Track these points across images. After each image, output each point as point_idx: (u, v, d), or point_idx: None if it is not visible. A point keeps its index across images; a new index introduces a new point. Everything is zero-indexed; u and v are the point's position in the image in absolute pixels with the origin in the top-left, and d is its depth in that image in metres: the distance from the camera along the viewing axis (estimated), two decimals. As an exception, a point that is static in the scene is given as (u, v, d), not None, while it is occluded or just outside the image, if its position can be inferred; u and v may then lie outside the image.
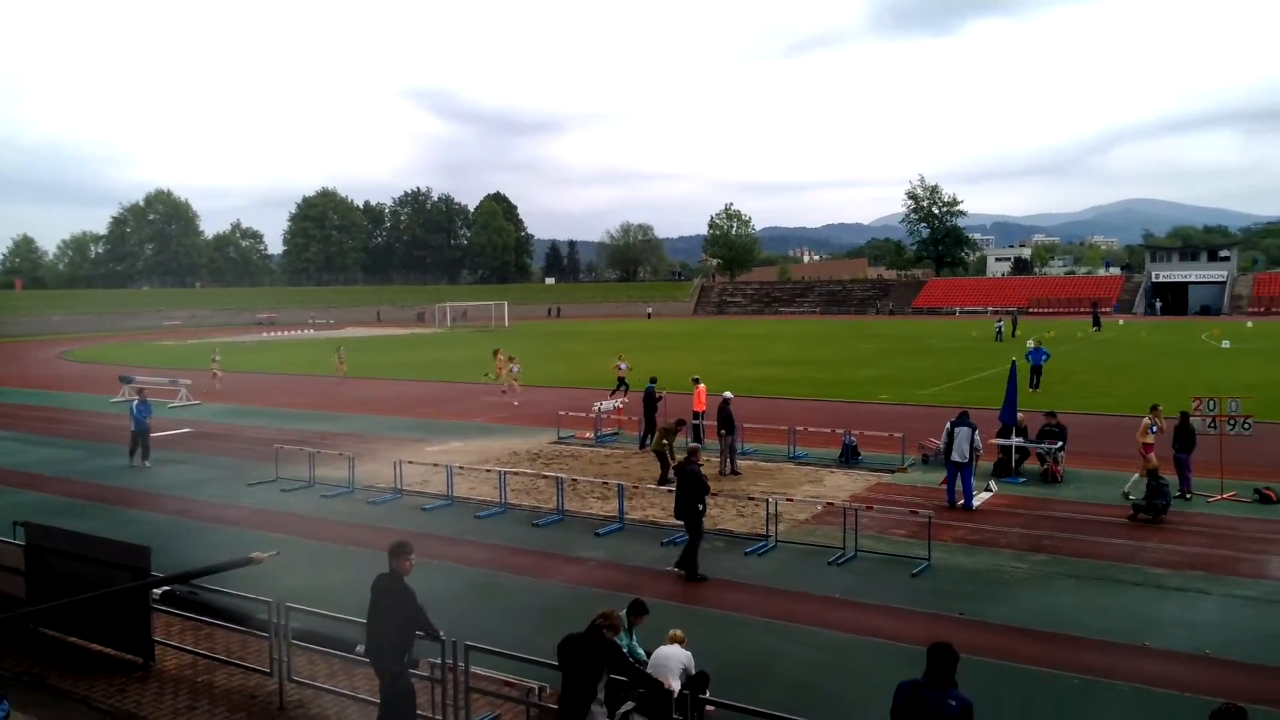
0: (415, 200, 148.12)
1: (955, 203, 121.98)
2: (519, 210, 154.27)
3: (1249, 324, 69.32)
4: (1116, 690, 9.11)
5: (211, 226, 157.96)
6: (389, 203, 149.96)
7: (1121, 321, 76.18)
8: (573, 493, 16.99)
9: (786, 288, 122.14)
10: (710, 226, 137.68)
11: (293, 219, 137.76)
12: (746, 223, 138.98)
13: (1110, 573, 12.56)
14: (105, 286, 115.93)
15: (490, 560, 13.70)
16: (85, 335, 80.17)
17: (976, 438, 15.96)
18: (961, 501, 16.06)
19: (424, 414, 29.16)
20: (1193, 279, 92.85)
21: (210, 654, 9.99)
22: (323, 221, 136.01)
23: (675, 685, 7.56)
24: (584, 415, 24.32)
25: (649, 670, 7.73)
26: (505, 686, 8.22)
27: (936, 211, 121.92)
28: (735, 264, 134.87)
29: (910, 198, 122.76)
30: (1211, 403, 17.35)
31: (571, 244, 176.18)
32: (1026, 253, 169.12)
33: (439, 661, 7.96)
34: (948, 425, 16.36)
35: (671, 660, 7.90)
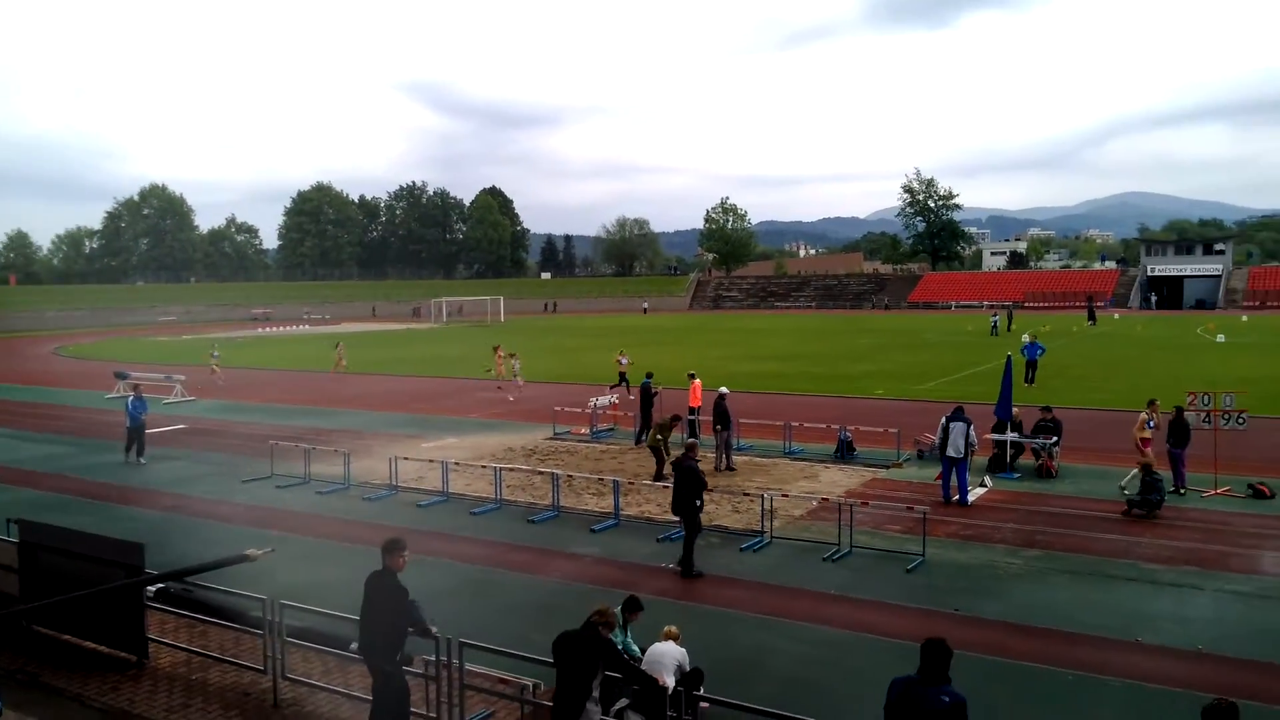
0: (410, 194, 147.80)
1: (950, 196, 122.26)
2: (514, 204, 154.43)
3: (1244, 318, 69.56)
4: (1109, 686, 9.13)
5: (206, 221, 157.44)
6: (384, 197, 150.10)
7: (1117, 315, 76.35)
8: (568, 489, 16.97)
9: (782, 282, 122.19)
10: (706, 221, 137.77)
11: (287, 213, 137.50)
12: (742, 217, 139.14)
13: (1104, 568, 12.60)
14: (100, 282, 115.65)
15: (485, 557, 13.70)
16: (79, 331, 79.95)
17: (972, 433, 15.98)
18: (956, 497, 16.09)
19: (419, 410, 29.13)
20: (1188, 273, 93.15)
21: (204, 651, 9.97)
22: (317, 216, 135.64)
23: (670, 682, 7.57)
24: (579, 411, 24.32)
25: (644, 667, 7.74)
26: (500, 683, 8.21)
27: (932, 205, 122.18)
28: (731, 258, 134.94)
29: (906, 191, 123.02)
30: (1206, 397, 17.37)
31: (567, 238, 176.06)
32: (1022, 247, 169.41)
33: (433, 658, 7.97)
34: (943, 420, 16.37)
35: (666, 657, 7.90)
